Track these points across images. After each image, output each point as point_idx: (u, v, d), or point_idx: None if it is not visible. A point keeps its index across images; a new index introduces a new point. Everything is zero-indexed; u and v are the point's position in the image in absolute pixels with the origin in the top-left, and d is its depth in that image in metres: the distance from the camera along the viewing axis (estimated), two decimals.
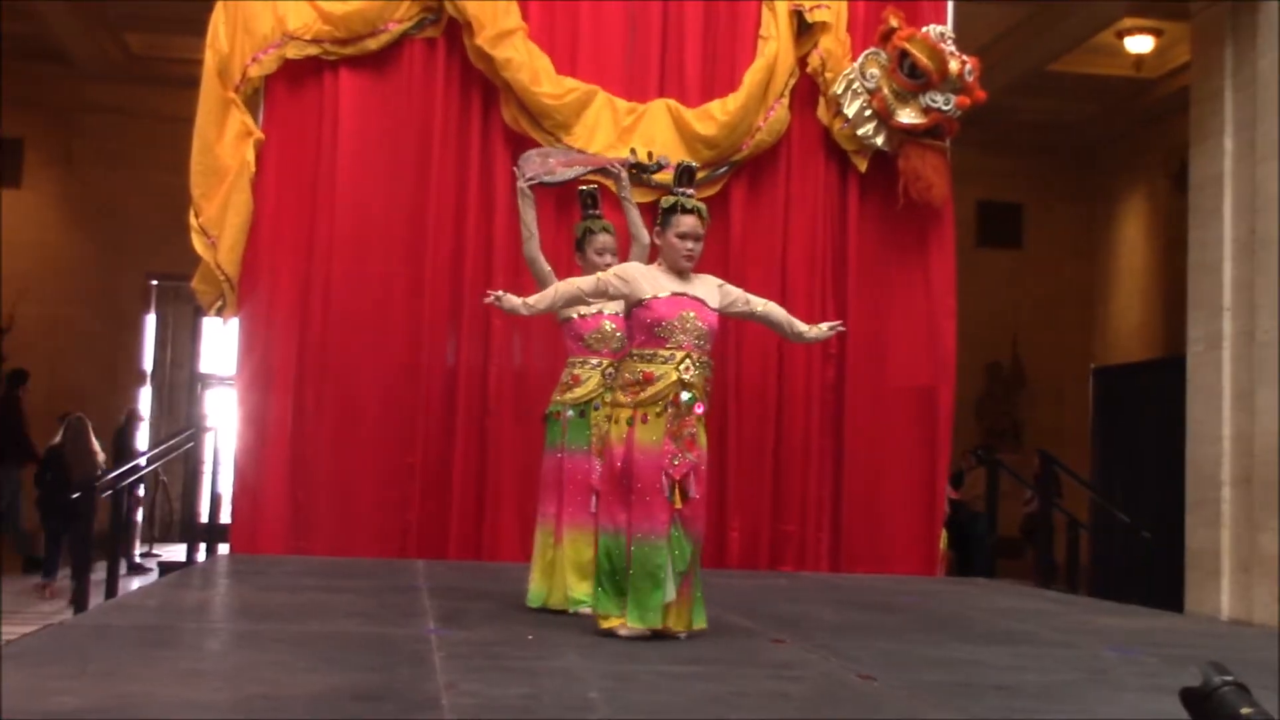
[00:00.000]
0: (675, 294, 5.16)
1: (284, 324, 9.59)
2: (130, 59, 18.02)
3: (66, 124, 18.64)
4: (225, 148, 9.46)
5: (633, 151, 7.03)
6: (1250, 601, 11.47)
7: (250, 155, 9.49)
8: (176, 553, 13.60)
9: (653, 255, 5.81)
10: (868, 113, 9.86)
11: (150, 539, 16.98)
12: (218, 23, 9.55)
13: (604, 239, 6.32)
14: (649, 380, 5.09)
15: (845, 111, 9.90)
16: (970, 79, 9.85)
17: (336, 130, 9.68)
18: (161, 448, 14.19)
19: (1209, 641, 6.19)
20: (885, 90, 9.78)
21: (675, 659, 4.52)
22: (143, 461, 12.69)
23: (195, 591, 6.72)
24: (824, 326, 5.67)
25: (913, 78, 9.74)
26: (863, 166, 10.07)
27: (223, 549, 10.04)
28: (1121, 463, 14.72)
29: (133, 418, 16.69)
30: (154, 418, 19.01)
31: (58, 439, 13.99)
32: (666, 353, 5.10)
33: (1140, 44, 16.39)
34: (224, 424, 11.18)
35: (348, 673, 3.91)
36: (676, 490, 4.97)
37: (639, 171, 6.68)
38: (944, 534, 10.41)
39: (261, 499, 9.47)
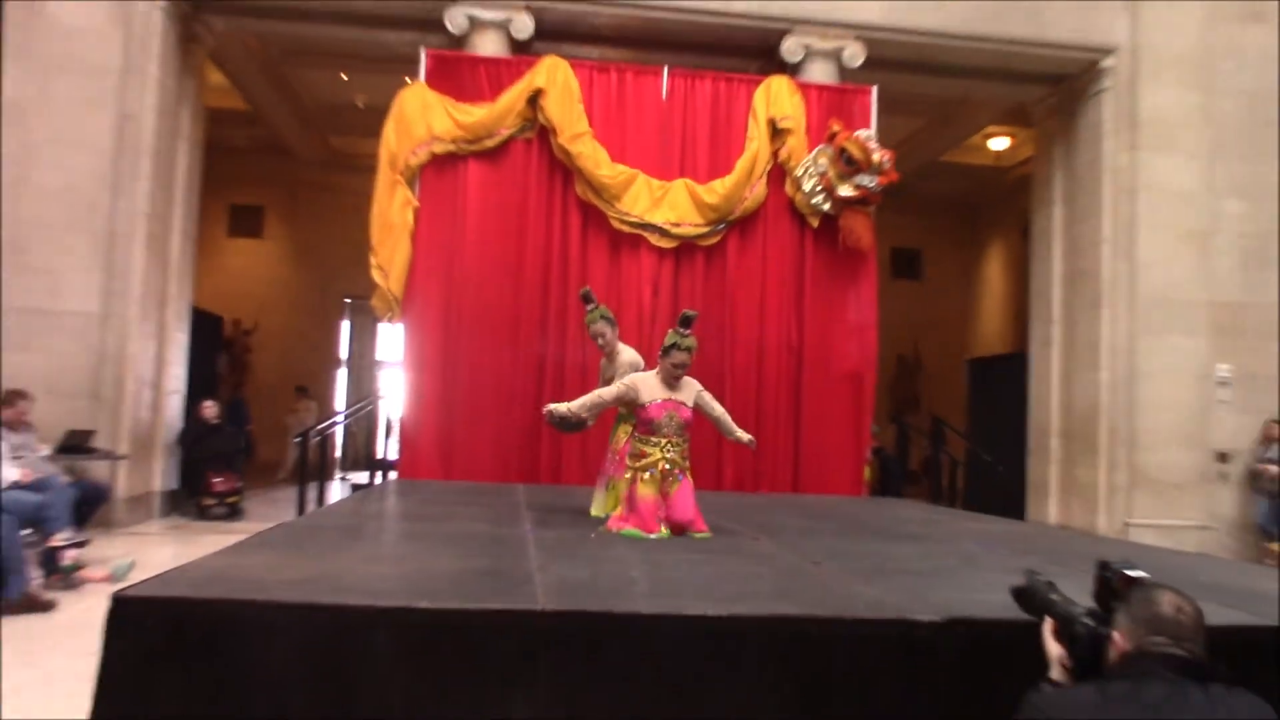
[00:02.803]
0: (664, 400, 5.19)
1: (432, 328, 9.62)
2: (332, 153, 18.17)
3: (292, 196, 18.84)
4: (393, 212, 9.51)
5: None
6: (1069, 513, 11.53)
7: (410, 217, 9.54)
8: (362, 478, 13.69)
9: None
10: (819, 188, 9.83)
11: (346, 468, 17.09)
12: (389, 129, 9.61)
13: (594, 328, 6.09)
14: (643, 456, 5.18)
15: (804, 188, 9.87)
16: (888, 166, 9.81)
17: (466, 201, 9.70)
18: (352, 408, 14.29)
19: (1043, 540, 6.16)
20: (830, 173, 9.75)
21: (689, 550, 4.53)
22: (340, 418, 12.77)
23: (375, 503, 6.76)
24: (746, 437, 5.51)
25: (849, 165, 9.70)
26: (815, 224, 10.02)
27: (392, 475, 10.09)
28: (986, 422, 14.69)
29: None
30: (348, 390, 19.16)
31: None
32: (655, 439, 5.17)
33: (1000, 144, 16.44)
34: (392, 394, 11.21)
35: (473, 558, 3.93)
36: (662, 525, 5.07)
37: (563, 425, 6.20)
38: (867, 469, 10.39)
39: (418, 442, 9.53)
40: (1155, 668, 2.19)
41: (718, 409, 5.42)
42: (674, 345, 5.14)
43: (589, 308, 6.14)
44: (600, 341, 6.12)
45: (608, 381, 6.04)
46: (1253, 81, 11.34)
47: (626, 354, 6.11)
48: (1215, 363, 11.08)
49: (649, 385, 5.23)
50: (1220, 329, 11.08)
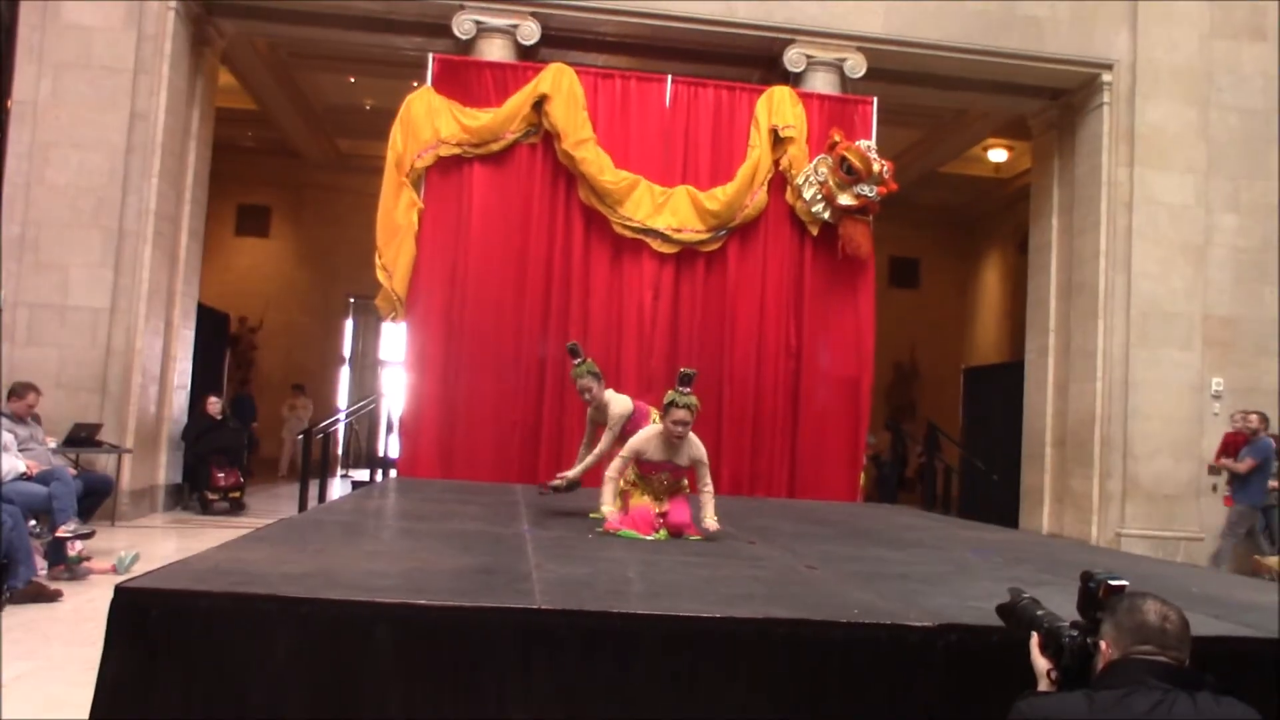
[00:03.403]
0: (660, 461, 5.09)
1: (435, 328, 9.63)
2: (339, 155, 18.22)
3: (298, 197, 18.87)
4: (399, 213, 9.52)
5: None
6: (1061, 521, 11.52)
7: (414, 219, 9.55)
8: (363, 475, 13.68)
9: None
10: (819, 197, 9.83)
11: (347, 465, 17.11)
12: (395, 132, 9.62)
13: (581, 383, 5.86)
14: (635, 485, 5.21)
15: (804, 196, 9.87)
16: (887, 176, 9.82)
17: (470, 203, 9.70)
18: (354, 407, 14.30)
19: (1034, 548, 6.16)
20: (831, 182, 9.75)
21: (684, 552, 4.52)
22: (342, 415, 12.77)
23: (375, 501, 6.76)
24: (712, 525, 5.07)
25: (849, 174, 9.71)
26: (815, 232, 10.03)
27: (393, 473, 10.09)
28: (981, 430, 14.68)
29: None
30: (350, 388, 19.16)
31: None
32: (644, 480, 5.18)
33: (998, 155, 16.47)
34: (394, 393, 11.19)
35: (472, 556, 3.93)
36: (658, 529, 5.04)
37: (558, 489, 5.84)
38: (863, 474, 10.40)
39: (418, 440, 9.52)
40: (1142, 675, 2.19)
41: (708, 487, 5.20)
42: (672, 403, 4.97)
43: (575, 362, 5.94)
44: (587, 396, 5.93)
45: (595, 426, 5.99)
46: (1249, 98, 11.36)
47: (617, 405, 5.86)
48: (1208, 375, 11.09)
49: (651, 446, 5.11)
50: (1214, 342, 11.10)
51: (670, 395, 5.01)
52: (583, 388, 5.93)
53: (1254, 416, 10.21)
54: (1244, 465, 10.09)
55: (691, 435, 5.10)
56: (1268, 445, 10.08)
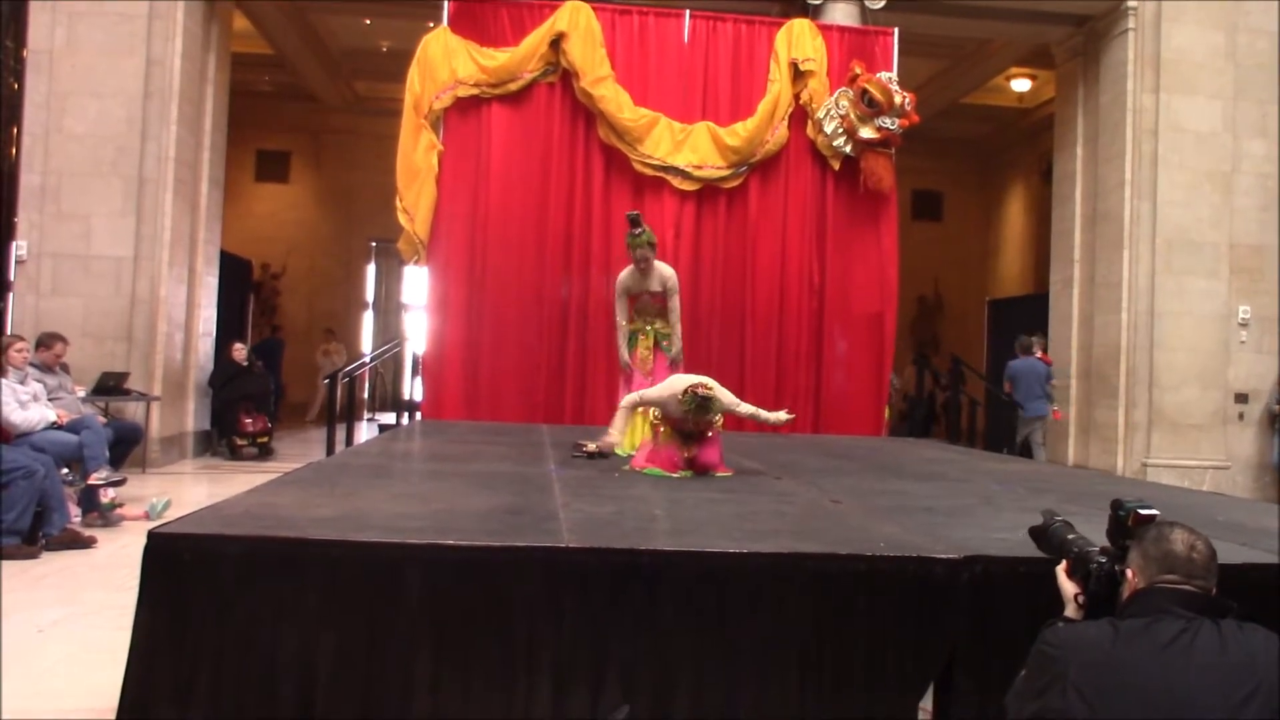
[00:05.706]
0: (683, 418, 4.98)
1: (456, 270, 9.61)
2: (357, 98, 18.14)
3: (317, 141, 18.81)
4: (418, 156, 9.47)
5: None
6: (1087, 453, 11.50)
7: (434, 161, 9.50)
8: (389, 418, 13.77)
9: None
10: (840, 130, 9.72)
11: (373, 409, 17.22)
12: (413, 74, 9.54)
13: (639, 253, 6.38)
14: (664, 426, 5.09)
15: (825, 130, 9.76)
16: (909, 108, 9.69)
17: (490, 144, 9.64)
18: (379, 350, 14.36)
19: (1060, 480, 6.13)
20: (852, 115, 9.64)
21: (711, 489, 4.53)
22: (367, 359, 12.82)
23: (402, 443, 6.79)
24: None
25: (871, 107, 9.59)
26: (836, 166, 9.92)
27: (418, 416, 10.15)
28: (1005, 363, 14.61)
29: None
30: (374, 332, 19.23)
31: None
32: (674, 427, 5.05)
33: (1021, 85, 16.24)
34: (418, 336, 11.21)
35: (499, 496, 3.94)
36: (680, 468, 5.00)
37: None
38: (887, 409, 10.38)
39: (442, 383, 9.56)
40: (1168, 604, 2.19)
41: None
42: (688, 412, 4.92)
43: (636, 231, 6.37)
44: (643, 265, 6.43)
45: (629, 297, 6.55)
46: (1277, 21, 11.10)
47: (671, 269, 6.58)
48: (1235, 304, 10.97)
49: (671, 407, 5.02)
50: (1241, 270, 10.98)
51: (689, 401, 4.90)
52: (640, 256, 6.41)
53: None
54: (1006, 386, 11.72)
55: (716, 390, 5.01)
56: (1009, 367, 11.73)
